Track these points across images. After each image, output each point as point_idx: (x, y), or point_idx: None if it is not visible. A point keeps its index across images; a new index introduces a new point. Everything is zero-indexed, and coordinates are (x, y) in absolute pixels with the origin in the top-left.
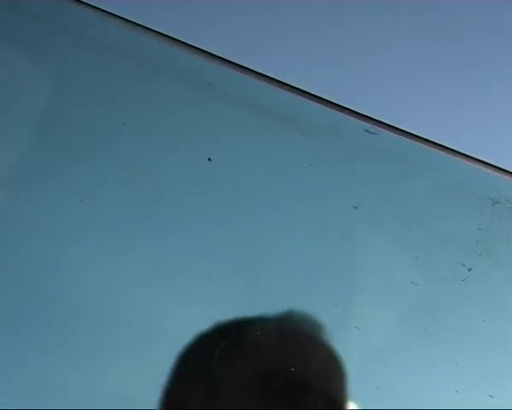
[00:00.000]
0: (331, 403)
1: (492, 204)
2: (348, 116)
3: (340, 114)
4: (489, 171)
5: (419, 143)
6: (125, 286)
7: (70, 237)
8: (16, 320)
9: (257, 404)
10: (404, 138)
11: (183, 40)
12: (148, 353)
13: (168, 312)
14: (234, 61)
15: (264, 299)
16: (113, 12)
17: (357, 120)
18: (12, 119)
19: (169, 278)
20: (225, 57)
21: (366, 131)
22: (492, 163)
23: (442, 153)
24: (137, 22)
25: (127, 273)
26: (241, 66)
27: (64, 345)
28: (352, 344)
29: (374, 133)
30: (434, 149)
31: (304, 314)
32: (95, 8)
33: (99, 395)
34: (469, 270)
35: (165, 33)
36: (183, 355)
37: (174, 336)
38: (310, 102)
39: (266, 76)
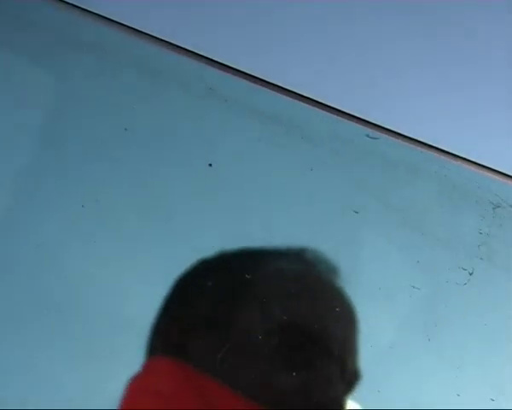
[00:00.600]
0: (344, 352)
1: (493, 208)
2: (349, 121)
3: (340, 119)
4: (490, 175)
5: (419, 148)
6: (126, 289)
7: (72, 241)
8: (18, 322)
9: (274, 354)
10: (405, 143)
11: (183, 46)
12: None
13: None
14: (235, 66)
15: None
16: (114, 19)
17: (357, 125)
18: (13, 126)
19: (171, 281)
20: (226, 63)
21: (367, 136)
22: (493, 167)
23: (443, 157)
24: (138, 29)
25: (129, 278)
26: (241, 72)
27: (66, 346)
28: None
29: (374, 138)
30: (435, 154)
31: (318, 254)
32: (96, 15)
33: (101, 396)
34: (470, 274)
35: (165, 39)
36: (182, 286)
37: None
38: (311, 107)
39: (267, 82)
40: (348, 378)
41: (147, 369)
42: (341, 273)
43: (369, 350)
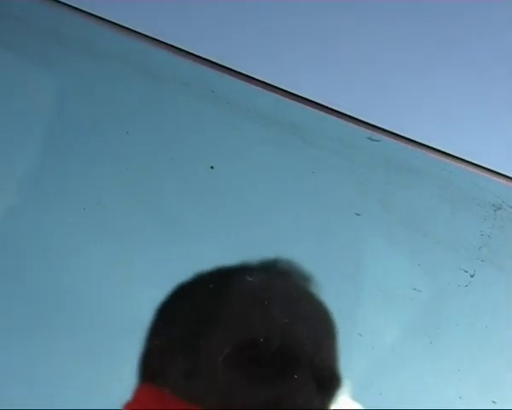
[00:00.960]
0: (321, 366)
1: (494, 210)
2: (351, 124)
3: (342, 121)
4: (491, 177)
5: (421, 150)
6: (128, 291)
7: (73, 244)
8: (21, 324)
9: (241, 371)
10: (407, 145)
11: (185, 49)
12: None
13: None
14: (236, 69)
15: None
16: (115, 21)
17: (359, 127)
18: (15, 129)
19: (172, 285)
20: (227, 65)
21: (369, 138)
22: (494, 169)
23: (444, 159)
24: (140, 31)
25: (130, 279)
26: (243, 74)
27: (68, 347)
28: (354, 351)
29: (376, 140)
30: (436, 156)
31: (290, 263)
32: (98, 17)
33: (105, 396)
34: (472, 276)
35: (166, 42)
36: (161, 312)
37: None
38: (312, 109)
39: (268, 84)
40: (325, 386)
41: (132, 397)
42: (315, 281)
43: (371, 352)
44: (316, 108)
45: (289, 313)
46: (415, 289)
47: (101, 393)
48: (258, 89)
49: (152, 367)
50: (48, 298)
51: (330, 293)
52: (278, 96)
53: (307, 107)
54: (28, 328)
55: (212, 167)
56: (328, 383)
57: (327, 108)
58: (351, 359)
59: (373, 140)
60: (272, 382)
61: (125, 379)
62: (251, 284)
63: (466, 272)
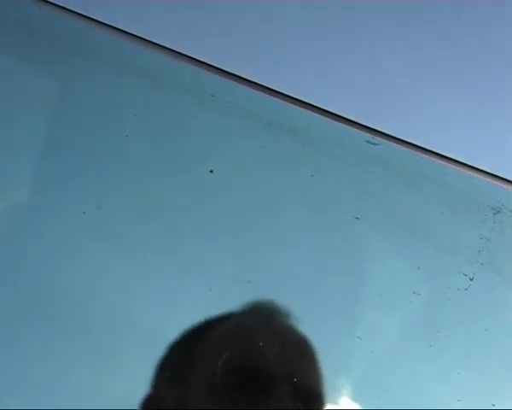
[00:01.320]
0: (304, 394)
1: (494, 214)
2: (349, 127)
3: (341, 124)
4: (490, 180)
5: (420, 154)
6: (127, 295)
7: (73, 248)
8: (20, 328)
9: (225, 402)
10: (406, 149)
11: (184, 53)
12: (151, 358)
13: (171, 322)
14: (236, 73)
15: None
16: (115, 25)
17: (358, 130)
18: (13, 133)
19: (172, 288)
20: (227, 69)
21: (367, 141)
22: (494, 173)
23: (443, 163)
24: (140, 35)
25: (130, 284)
26: (242, 78)
27: (68, 351)
28: (354, 354)
29: (375, 144)
30: (435, 159)
31: (271, 305)
32: (97, 21)
33: (106, 400)
34: (471, 279)
35: (167, 46)
36: (159, 362)
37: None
38: (311, 113)
39: (268, 88)
40: (308, 404)
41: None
42: (294, 316)
43: (371, 356)
44: (315, 111)
45: (269, 343)
46: (414, 292)
47: (101, 393)
48: (258, 93)
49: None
50: (47, 302)
51: (329, 296)
52: (278, 99)
53: (306, 110)
54: (28, 332)
55: (211, 171)
56: (309, 402)
57: (326, 111)
58: (350, 362)
59: (372, 144)
60: (256, 403)
61: (124, 380)
62: (232, 323)
63: (465, 275)
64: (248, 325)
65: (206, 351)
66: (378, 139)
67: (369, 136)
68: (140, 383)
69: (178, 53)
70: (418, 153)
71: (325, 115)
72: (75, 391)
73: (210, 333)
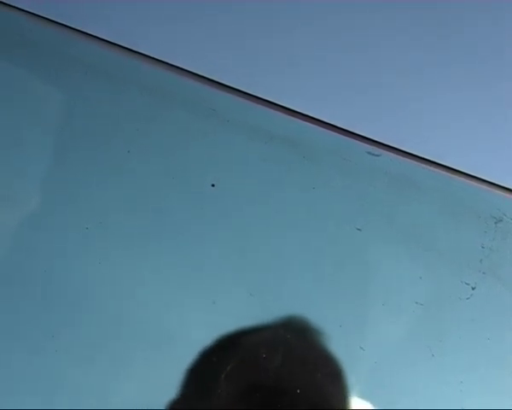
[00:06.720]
0: None
1: (495, 223)
2: (350, 139)
3: (341, 136)
4: (492, 190)
5: (421, 164)
6: (130, 308)
7: (76, 263)
8: (33, 330)
9: None
10: (406, 160)
11: (185, 68)
12: (158, 363)
13: (177, 330)
14: (236, 87)
15: (269, 319)
16: (116, 42)
17: (358, 142)
18: (15, 149)
19: (176, 301)
20: (228, 84)
21: (368, 153)
22: (495, 182)
23: (444, 173)
24: (141, 51)
25: (133, 297)
26: (243, 92)
27: (78, 353)
28: (356, 365)
29: (376, 155)
30: (436, 170)
31: (302, 321)
32: (99, 39)
33: (113, 401)
34: (473, 288)
35: (168, 61)
36: (188, 371)
37: (184, 349)
38: (312, 125)
39: (268, 101)
40: None
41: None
42: (326, 336)
43: (373, 366)
44: (315, 123)
45: (302, 358)
46: (417, 302)
47: (102, 394)
48: (259, 106)
49: None
50: (51, 314)
51: (332, 307)
52: (278, 113)
53: (307, 123)
54: (31, 343)
55: (213, 185)
56: None
57: (327, 123)
58: (353, 373)
59: (373, 155)
60: None
61: (125, 382)
62: (259, 338)
63: (467, 284)
64: (283, 340)
65: (236, 362)
66: (379, 150)
67: (369, 147)
68: (144, 386)
69: (180, 68)
70: (419, 163)
71: (326, 127)
72: (78, 392)
73: (243, 343)
